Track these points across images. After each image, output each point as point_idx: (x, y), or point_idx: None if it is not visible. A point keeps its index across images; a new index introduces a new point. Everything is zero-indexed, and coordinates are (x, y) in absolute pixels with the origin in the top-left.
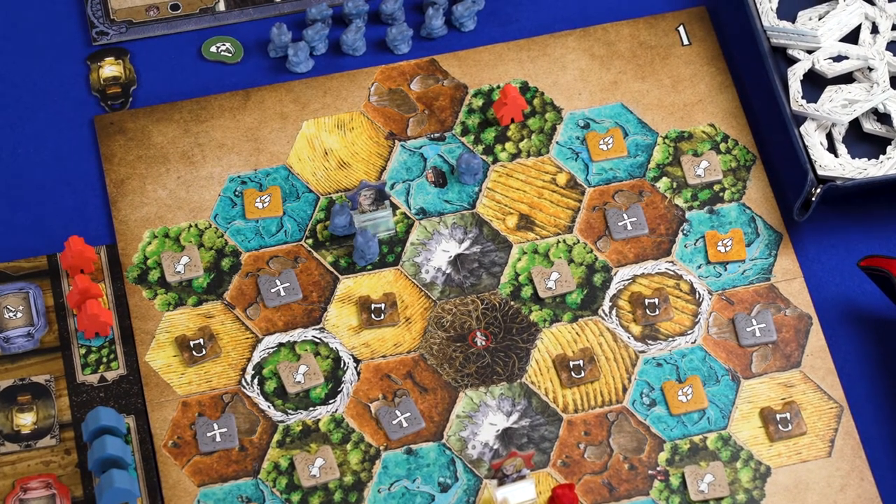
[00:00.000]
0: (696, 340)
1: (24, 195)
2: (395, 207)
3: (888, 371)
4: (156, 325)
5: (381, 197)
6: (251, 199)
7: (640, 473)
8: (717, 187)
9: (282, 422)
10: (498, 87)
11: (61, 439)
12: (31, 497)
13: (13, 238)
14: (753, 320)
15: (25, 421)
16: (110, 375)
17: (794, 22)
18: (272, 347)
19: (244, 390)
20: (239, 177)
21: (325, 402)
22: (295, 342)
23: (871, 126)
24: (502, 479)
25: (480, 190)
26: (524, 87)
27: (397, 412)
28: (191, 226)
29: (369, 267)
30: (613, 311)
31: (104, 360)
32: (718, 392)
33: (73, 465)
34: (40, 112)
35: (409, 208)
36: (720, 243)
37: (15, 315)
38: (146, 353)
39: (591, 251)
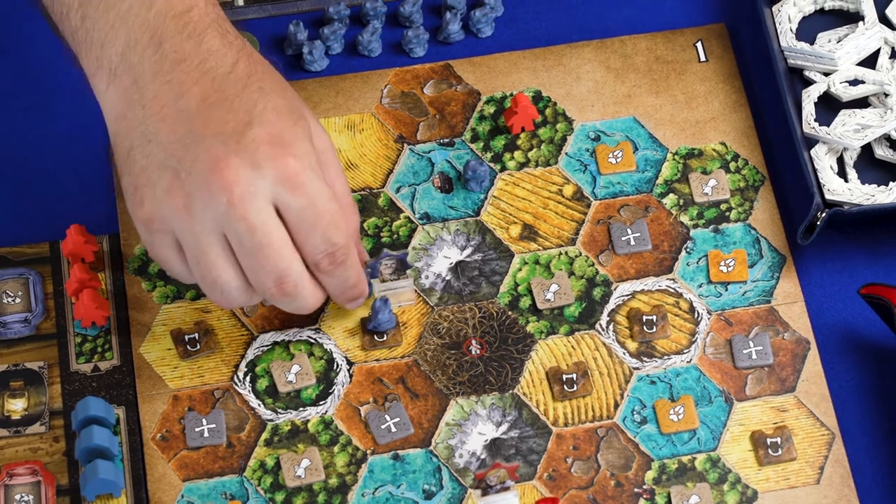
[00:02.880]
0: (691, 360)
1: (32, 181)
2: (399, 211)
3: (883, 401)
4: (153, 318)
5: (402, 267)
6: None
7: (625, 491)
8: (723, 206)
9: (271, 420)
10: (511, 94)
11: (51, 427)
12: (17, 483)
13: (18, 223)
14: (751, 342)
15: (16, 406)
16: (104, 365)
17: (812, 43)
18: (267, 346)
19: (236, 387)
20: None
21: (315, 403)
22: (290, 341)
23: (883, 152)
24: (486, 490)
25: (486, 197)
26: (537, 97)
27: (387, 417)
28: None
29: (369, 271)
30: (611, 326)
31: (99, 349)
32: (710, 413)
33: (60, 454)
34: (53, 99)
35: (414, 213)
36: (722, 263)
37: (13, 300)
38: (141, 344)
39: (593, 265)
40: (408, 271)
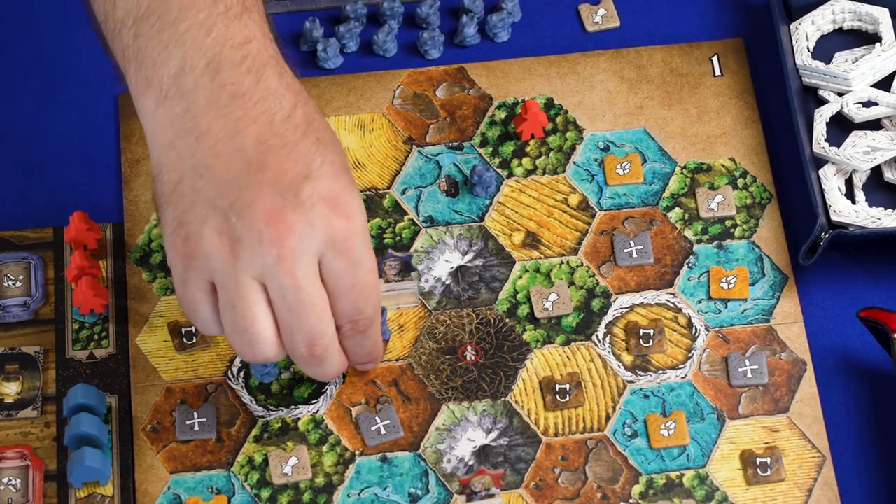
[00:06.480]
0: (686, 375)
1: (40, 166)
2: (403, 213)
3: (876, 426)
4: (151, 309)
5: (406, 268)
6: None
7: None
8: (728, 223)
9: (262, 417)
10: (522, 100)
11: (43, 412)
12: (5, 466)
13: (24, 207)
14: (747, 361)
15: (10, 390)
16: (100, 353)
17: (829, 63)
18: None
19: (229, 382)
20: None
21: (307, 401)
22: None
23: (892, 175)
24: (470, 496)
25: (491, 203)
26: (549, 104)
27: (377, 419)
28: None
29: None
30: (607, 339)
31: (95, 337)
32: (702, 430)
33: (50, 439)
34: (67, 84)
35: (418, 215)
36: (724, 280)
37: (14, 284)
38: (138, 335)
39: (594, 275)
40: (412, 273)
